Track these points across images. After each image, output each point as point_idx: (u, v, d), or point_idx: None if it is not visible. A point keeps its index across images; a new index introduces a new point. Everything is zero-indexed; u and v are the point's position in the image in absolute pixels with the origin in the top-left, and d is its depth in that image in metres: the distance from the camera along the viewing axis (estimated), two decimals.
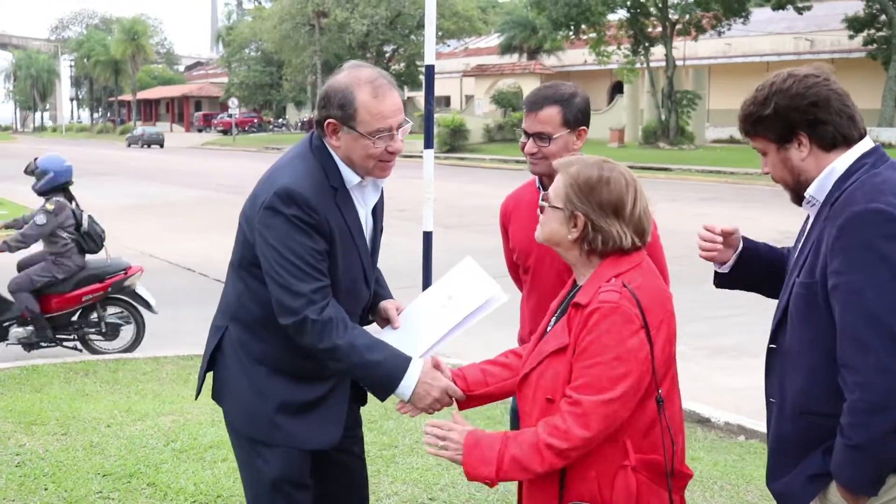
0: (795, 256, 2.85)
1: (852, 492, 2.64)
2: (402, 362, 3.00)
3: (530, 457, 2.58)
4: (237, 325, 3.20)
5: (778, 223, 17.40)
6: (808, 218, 2.87)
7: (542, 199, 2.78)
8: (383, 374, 2.98)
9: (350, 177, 3.10)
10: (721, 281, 3.19)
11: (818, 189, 2.70)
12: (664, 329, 2.62)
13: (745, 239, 3.16)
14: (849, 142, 2.68)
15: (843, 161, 2.68)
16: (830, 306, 2.60)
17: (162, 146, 66.02)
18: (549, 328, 2.81)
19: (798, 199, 2.80)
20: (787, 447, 2.86)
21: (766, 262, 3.14)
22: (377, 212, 3.32)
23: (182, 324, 10.11)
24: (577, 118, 3.56)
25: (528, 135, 3.58)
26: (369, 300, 3.32)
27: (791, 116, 2.67)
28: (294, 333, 3.00)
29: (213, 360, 3.28)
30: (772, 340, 2.90)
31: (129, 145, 69.37)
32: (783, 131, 2.70)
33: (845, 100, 2.68)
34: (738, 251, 3.14)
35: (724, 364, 8.48)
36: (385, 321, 3.34)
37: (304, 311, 2.93)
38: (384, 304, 3.37)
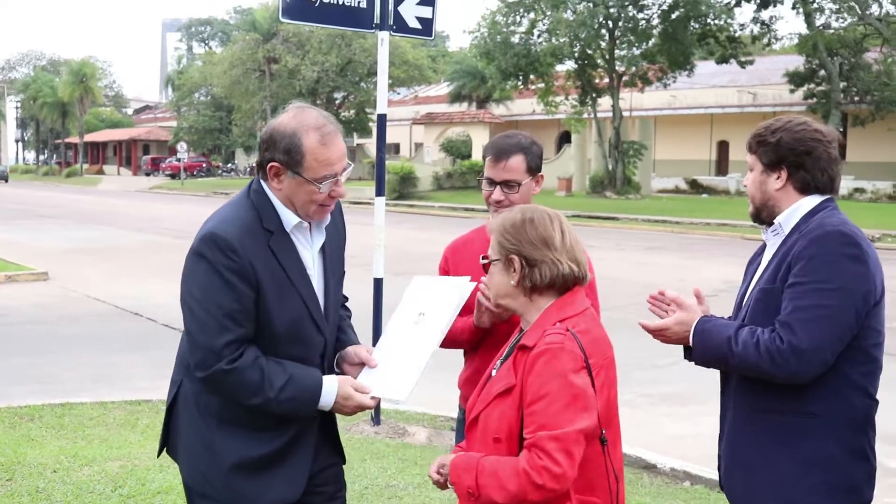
0: (759, 273, 3.16)
1: (692, 346, 3.12)
2: (312, 396, 3.01)
3: (509, 477, 2.62)
4: (189, 378, 3.12)
5: (721, 272, 17.68)
6: (764, 246, 3.24)
7: (482, 258, 2.93)
8: (298, 405, 3.00)
9: (289, 218, 3.06)
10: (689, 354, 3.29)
11: (786, 220, 3.11)
12: (603, 374, 2.74)
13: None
14: (821, 192, 3.08)
15: (809, 201, 3.09)
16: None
17: (7, 181, 79.20)
18: (494, 371, 2.90)
19: (754, 215, 3.21)
20: (745, 447, 3.10)
21: None
22: (328, 251, 3.24)
23: (129, 369, 10.02)
24: (537, 165, 3.75)
25: (494, 183, 3.69)
26: (327, 346, 3.20)
27: (783, 152, 3.09)
28: (210, 387, 3.01)
29: (170, 413, 3.22)
30: None
31: None
32: (773, 160, 3.12)
33: (833, 164, 3.10)
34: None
35: (669, 411, 8.60)
36: (357, 366, 3.22)
37: (215, 365, 2.92)
38: (352, 349, 3.28)
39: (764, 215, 3.16)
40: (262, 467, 3.07)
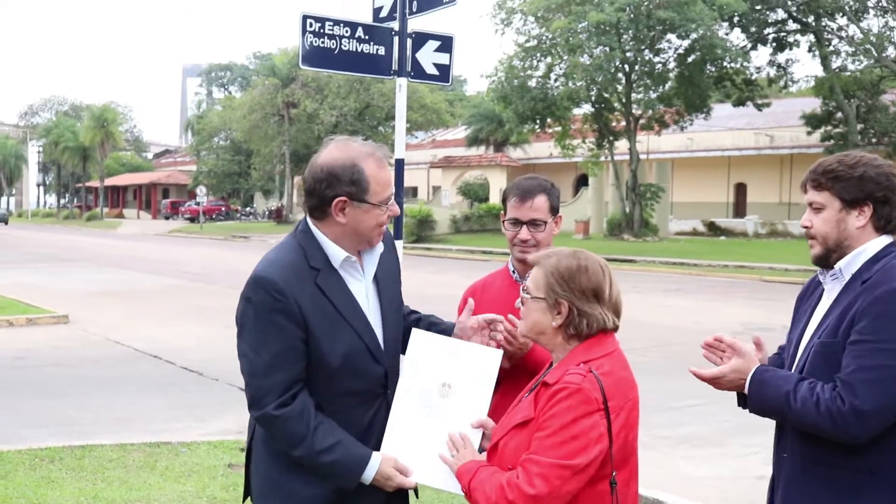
0: (815, 321, 3.08)
1: (746, 397, 3.03)
2: (357, 468, 3.01)
3: (492, 488, 2.77)
4: None
5: (739, 314, 17.63)
6: (817, 286, 3.15)
7: (523, 291, 2.97)
8: (339, 471, 3.02)
9: (337, 254, 3.09)
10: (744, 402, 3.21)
11: (847, 265, 2.99)
12: (624, 416, 2.77)
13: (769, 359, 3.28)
14: (891, 232, 2.98)
15: (874, 245, 2.98)
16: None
17: (6, 223, 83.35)
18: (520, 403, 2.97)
19: (822, 257, 3.06)
20: (799, 499, 3.03)
21: None
22: (382, 279, 3.26)
23: (148, 411, 10.05)
24: (558, 206, 3.87)
25: (519, 223, 3.78)
26: (388, 376, 3.18)
27: (870, 186, 2.96)
28: (263, 428, 3.07)
29: (249, 455, 3.29)
30: None
31: None
32: (857, 195, 2.97)
33: None
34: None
35: (686, 453, 8.57)
36: (477, 331, 3.37)
37: (265, 406, 2.97)
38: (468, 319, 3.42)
39: (835, 257, 3.03)
40: None
